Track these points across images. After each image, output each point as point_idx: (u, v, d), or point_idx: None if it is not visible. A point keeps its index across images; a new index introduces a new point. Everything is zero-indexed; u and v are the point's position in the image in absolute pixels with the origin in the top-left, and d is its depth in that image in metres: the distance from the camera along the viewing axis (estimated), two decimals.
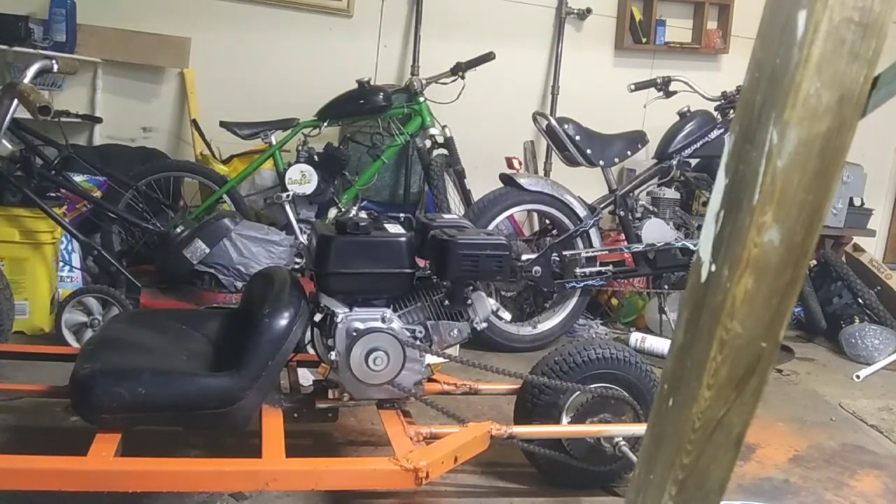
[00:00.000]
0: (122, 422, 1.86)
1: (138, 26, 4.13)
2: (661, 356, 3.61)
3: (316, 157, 3.71)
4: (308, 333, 2.23)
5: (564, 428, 2.25)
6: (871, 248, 5.10)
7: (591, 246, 3.73)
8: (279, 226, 3.84)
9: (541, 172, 4.71)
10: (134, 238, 3.76)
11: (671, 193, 3.93)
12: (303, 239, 3.58)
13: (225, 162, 4.04)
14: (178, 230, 3.50)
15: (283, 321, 1.92)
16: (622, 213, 3.83)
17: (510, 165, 4.40)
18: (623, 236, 3.89)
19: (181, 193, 4.09)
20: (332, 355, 2.13)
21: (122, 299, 3.07)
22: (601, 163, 3.75)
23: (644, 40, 4.86)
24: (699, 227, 3.58)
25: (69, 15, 3.90)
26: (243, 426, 1.99)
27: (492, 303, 2.25)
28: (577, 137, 3.68)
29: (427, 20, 4.53)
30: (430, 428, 2.12)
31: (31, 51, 3.77)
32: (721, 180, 0.61)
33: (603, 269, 3.76)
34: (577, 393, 2.25)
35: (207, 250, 3.35)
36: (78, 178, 3.57)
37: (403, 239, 2.19)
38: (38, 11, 3.89)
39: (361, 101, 3.77)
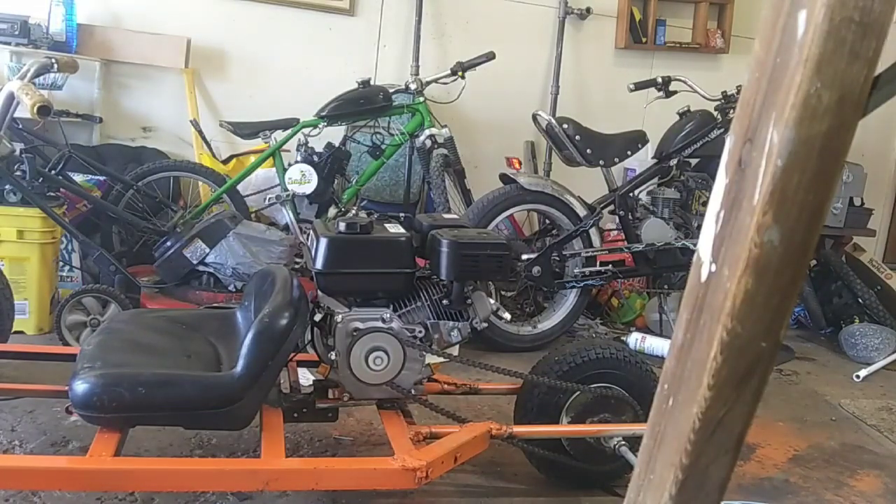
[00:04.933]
0: (122, 422, 1.86)
1: (138, 26, 4.13)
2: (661, 356, 3.61)
3: (316, 156, 3.70)
4: (308, 333, 2.23)
5: (564, 428, 2.25)
6: (871, 248, 5.10)
7: (590, 246, 3.72)
8: (279, 226, 3.83)
9: (541, 172, 4.71)
10: (134, 238, 3.76)
11: (671, 193, 3.93)
12: (303, 239, 3.58)
13: (225, 162, 4.03)
14: (178, 230, 3.50)
15: (283, 321, 1.92)
16: (622, 212, 3.83)
17: (510, 165, 4.40)
18: (623, 236, 3.89)
19: (181, 193, 4.09)
20: (332, 355, 2.13)
21: (122, 299, 3.07)
22: (601, 163, 3.75)
23: (644, 40, 4.86)
24: (699, 227, 3.58)
25: (69, 15, 3.90)
26: (243, 426, 1.99)
27: (492, 302, 2.25)
28: (577, 137, 3.68)
29: (427, 20, 4.53)
30: (430, 428, 2.12)
31: (32, 51, 3.77)
32: (721, 180, 0.61)
33: (603, 268, 3.76)
34: (577, 393, 2.25)
35: (207, 250, 3.35)
36: (78, 178, 3.57)
37: (403, 239, 2.19)
38: (38, 11, 3.89)
39: (362, 101, 3.76)
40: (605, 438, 2.22)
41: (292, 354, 2.07)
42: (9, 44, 3.77)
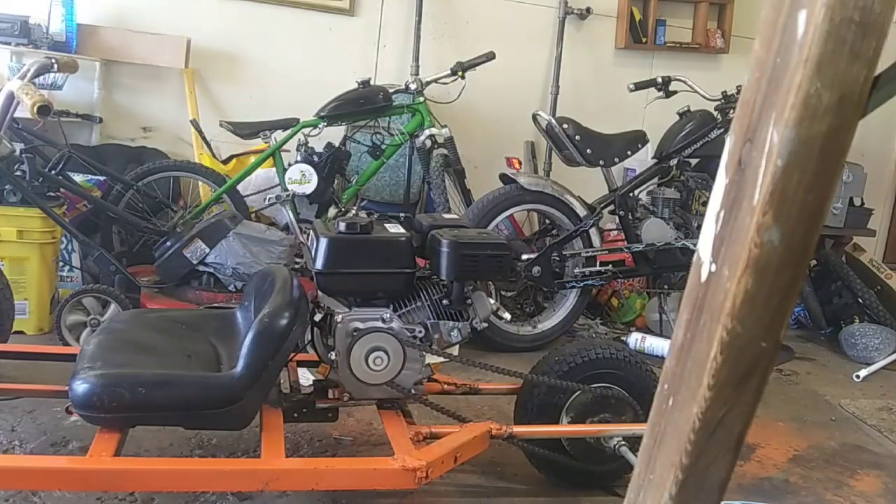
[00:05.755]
0: (122, 422, 1.86)
1: (138, 26, 4.13)
2: (661, 356, 3.60)
3: (316, 156, 3.70)
4: (308, 333, 2.23)
5: (564, 428, 2.25)
6: (871, 248, 5.10)
7: (590, 246, 3.72)
8: (279, 226, 3.83)
9: (541, 172, 4.71)
10: (134, 238, 3.76)
11: (671, 193, 3.93)
12: (303, 239, 3.58)
13: (225, 162, 4.03)
14: (178, 230, 3.50)
15: (283, 321, 1.92)
16: (622, 212, 3.83)
17: (510, 165, 4.40)
18: (623, 236, 3.89)
19: (181, 193, 4.09)
20: (332, 355, 2.13)
21: (122, 299, 3.07)
22: (601, 163, 3.75)
23: (644, 40, 4.85)
24: (699, 227, 3.58)
25: (69, 15, 3.90)
26: (243, 426, 1.99)
27: (492, 302, 2.25)
28: (577, 137, 3.68)
29: (427, 20, 4.53)
30: (430, 428, 2.12)
31: (32, 51, 3.77)
32: (721, 180, 0.61)
33: (603, 268, 3.76)
34: (578, 393, 2.25)
35: (207, 250, 3.35)
36: (78, 178, 3.57)
37: (403, 239, 2.19)
38: (38, 11, 3.89)
39: (362, 101, 3.76)
40: (605, 438, 2.22)
41: (292, 354, 2.07)
42: (9, 44, 3.77)
